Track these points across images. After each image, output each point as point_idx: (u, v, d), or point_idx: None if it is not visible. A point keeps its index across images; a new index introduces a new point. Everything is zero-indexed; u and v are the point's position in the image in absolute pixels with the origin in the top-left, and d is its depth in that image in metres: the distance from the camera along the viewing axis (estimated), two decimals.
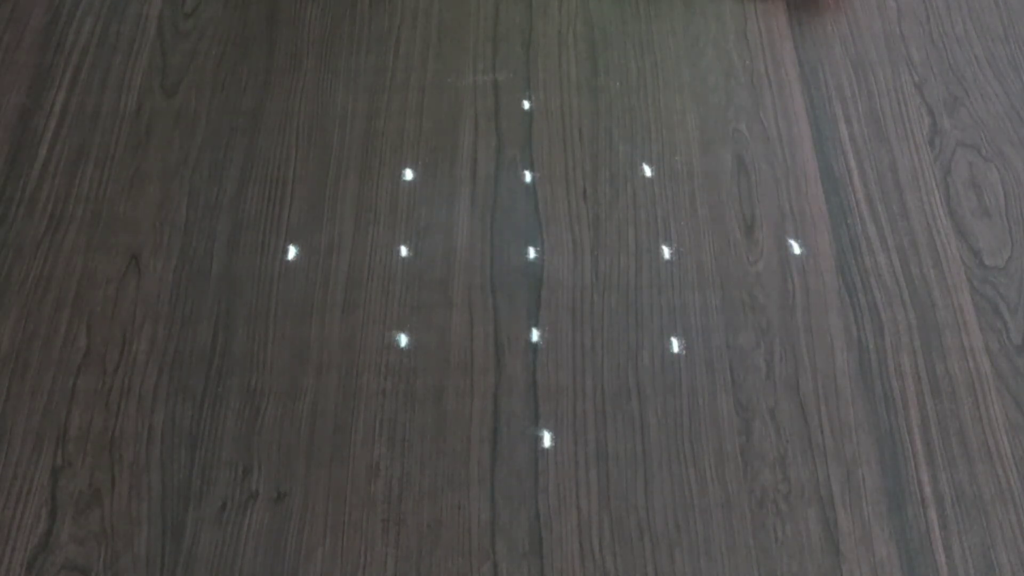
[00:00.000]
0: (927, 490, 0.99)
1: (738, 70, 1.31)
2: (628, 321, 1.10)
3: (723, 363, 1.07)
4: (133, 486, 0.99)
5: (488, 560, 0.95)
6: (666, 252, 1.15)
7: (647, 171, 1.22)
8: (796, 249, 1.16)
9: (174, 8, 1.35)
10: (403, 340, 1.08)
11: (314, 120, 1.25)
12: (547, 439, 1.02)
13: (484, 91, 1.28)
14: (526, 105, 1.27)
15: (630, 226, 1.17)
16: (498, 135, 1.24)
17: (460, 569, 0.94)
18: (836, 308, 1.11)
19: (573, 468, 1.00)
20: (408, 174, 1.21)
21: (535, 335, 1.09)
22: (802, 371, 1.07)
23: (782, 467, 1.01)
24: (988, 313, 1.11)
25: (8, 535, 0.96)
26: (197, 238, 1.15)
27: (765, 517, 0.98)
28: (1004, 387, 1.06)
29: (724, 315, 1.11)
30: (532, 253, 1.15)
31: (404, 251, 1.15)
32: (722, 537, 0.96)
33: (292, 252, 1.14)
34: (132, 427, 1.02)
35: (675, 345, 1.08)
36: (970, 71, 1.32)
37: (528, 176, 1.21)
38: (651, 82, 1.30)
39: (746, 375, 1.06)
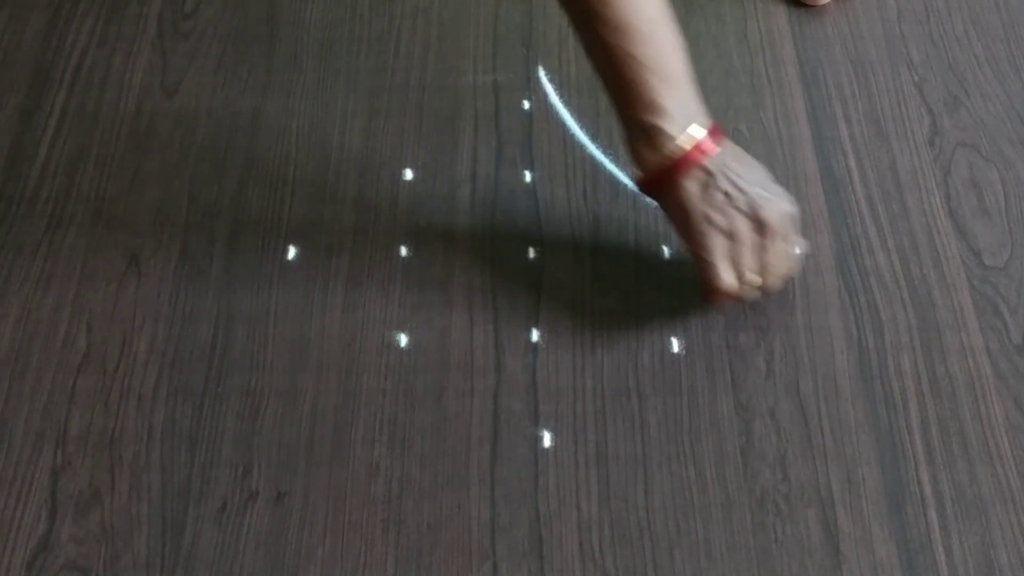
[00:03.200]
0: (927, 490, 0.99)
1: (738, 70, 1.31)
2: (628, 321, 1.10)
3: (723, 363, 1.07)
4: (133, 486, 0.99)
5: (488, 560, 0.95)
6: (666, 252, 1.15)
7: None
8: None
9: (174, 8, 1.35)
10: (403, 340, 1.08)
11: (314, 120, 1.25)
12: (547, 439, 1.02)
13: (484, 91, 1.28)
14: (526, 105, 1.27)
15: (630, 226, 1.17)
16: (498, 135, 1.24)
17: (460, 569, 0.94)
18: (836, 308, 1.11)
19: (573, 468, 1.00)
20: (408, 174, 1.21)
21: (535, 335, 1.09)
22: (802, 371, 1.07)
23: (782, 467, 1.01)
24: (988, 313, 1.11)
25: (8, 535, 0.96)
26: (197, 238, 1.15)
27: (765, 517, 0.98)
28: (1004, 387, 1.06)
29: (724, 315, 1.10)
30: (532, 253, 1.15)
31: (404, 251, 1.15)
32: (722, 537, 0.96)
33: (292, 252, 1.14)
34: (132, 427, 1.02)
35: (675, 345, 1.08)
36: (970, 71, 1.32)
37: (528, 176, 1.21)
38: None
39: (746, 375, 1.06)
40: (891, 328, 1.10)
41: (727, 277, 1.02)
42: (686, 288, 1.12)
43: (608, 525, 0.97)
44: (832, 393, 1.05)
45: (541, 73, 1.30)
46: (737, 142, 1.24)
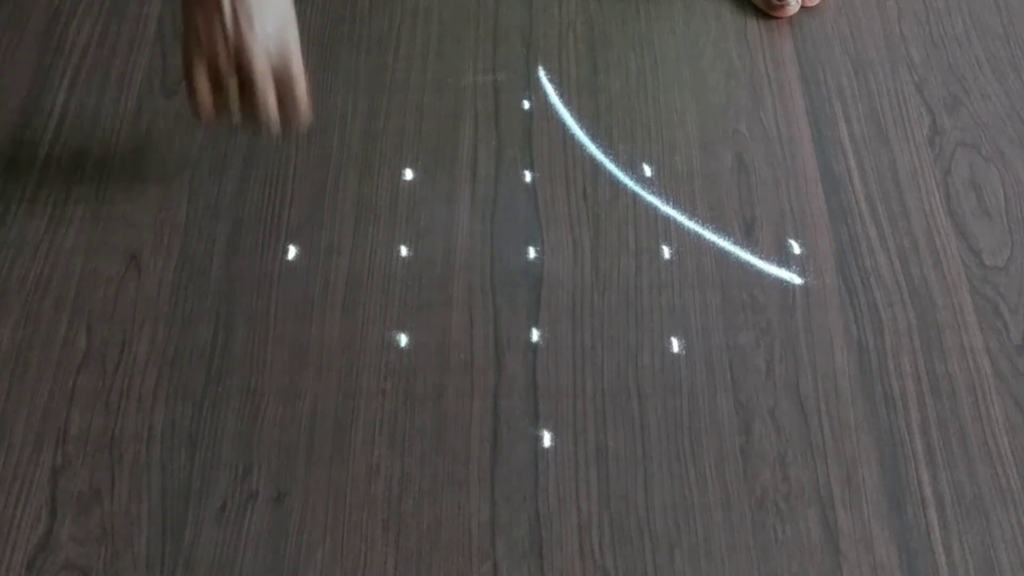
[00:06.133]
0: (927, 490, 0.99)
1: (738, 70, 1.31)
2: (628, 321, 1.10)
3: (723, 363, 1.07)
4: (133, 486, 0.99)
5: (488, 560, 0.95)
6: (666, 252, 1.15)
7: (647, 171, 1.22)
8: (796, 249, 1.16)
9: (174, 8, 1.35)
10: (403, 340, 1.08)
11: (314, 120, 1.25)
12: (547, 439, 1.02)
13: (484, 91, 1.28)
14: (526, 105, 1.27)
15: (630, 226, 1.17)
16: (498, 135, 1.24)
17: (460, 569, 0.95)
18: (836, 308, 1.11)
19: (573, 468, 1.00)
20: (408, 174, 1.21)
21: (535, 335, 1.09)
22: (802, 371, 1.07)
23: (782, 467, 1.01)
24: (988, 313, 1.11)
25: (8, 535, 0.96)
26: (197, 238, 1.15)
27: (765, 517, 0.98)
28: (1004, 387, 1.06)
29: (724, 315, 1.11)
30: (532, 253, 1.15)
31: (404, 251, 1.15)
32: (722, 537, 0.97)
33: (292, 252, 1.14)
34: (132, 427, 1.02)
35: (675, 345, 1.08)
36: (970, 71, 1.32)
37: (528, 176, 1.21)
38: (651, 82, 1.30)
39: (746, 375, 1.06)
40: (891, 328, 1.10)
41: (201, 105, 1.06)
42: (686, 288, 1.12)
43: (608, 525, 0.97)
44: (832, 393, 1.05)
45: (541, 73, 1.30)
46: (737, 142, 1.24)
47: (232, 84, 1.06)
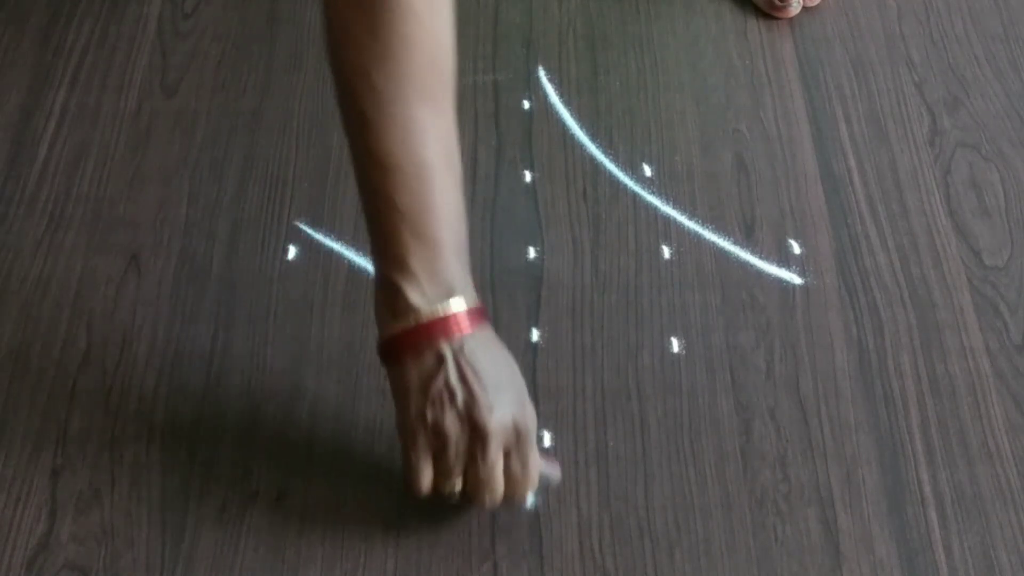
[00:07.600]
0: (927, 490, 0.99)
1: (738, 70, 1.31)
2: (628, 321, 1.10)
3: (723, 363, 1.07)
4: (133, 486, 0.98)
5: (488, 560, 0.95)
6: (666, 252, 1.15)
7: (647, 171, 1.22)
8: (796, 249, 1.16)
9: (174, 8, 1.35)
10: None
11: (314, 120, 1.25)
12: (547, 439, 1.02)
13: (484, 91, 1.28)
14: (526, 105, 1.27)
15: (630, 226, 1.17)
16: (498, 135, 1.24)
17: (460, 569, 0.94)
18: (836, 308, 1.11)
19: (573, 468, 1.00)
20: None
21: (535, 335, 1.09)
22: (802, 371, 1.07)
23: (782, 467, 1.01)
24: (988, 313, 1.11)
25: (8, 535, 0.96)
26: (197, 238, 1.15)
27: (765, 517, 0.98)
28: (1004, 387, 1.06)
29: (724, 315, 1.11)
30: (532, 253, 1.15)
31: None
32: (722, 537, 0.96)
33: (292, 252, 1.14)
34: (132, 427, 1.02)
35: (675, 345, 1.08)
36: (970, 71, 1.32)
37: (528, 176, 1.21)
38: (651, 82, 1.30)
39: (746, 375, 1.06)
40: (891, 328, 1.10)
41: (419, 477, 0.88)
42: (686, 288, 1.12)
43: (608, 525, 0.97)
44: (832, 393, 1.05)
45: (541, 73, 1.30)
46: (737, 142, 1.24)
47: (458, 455, 0.87)
